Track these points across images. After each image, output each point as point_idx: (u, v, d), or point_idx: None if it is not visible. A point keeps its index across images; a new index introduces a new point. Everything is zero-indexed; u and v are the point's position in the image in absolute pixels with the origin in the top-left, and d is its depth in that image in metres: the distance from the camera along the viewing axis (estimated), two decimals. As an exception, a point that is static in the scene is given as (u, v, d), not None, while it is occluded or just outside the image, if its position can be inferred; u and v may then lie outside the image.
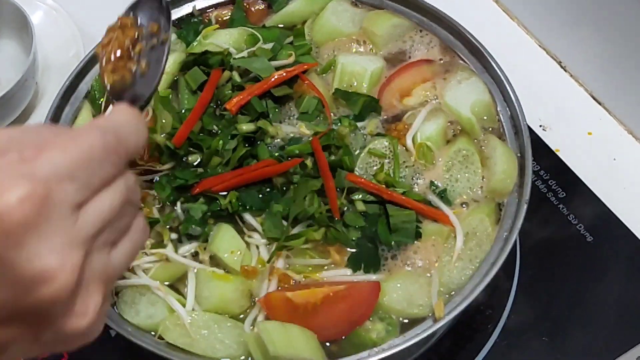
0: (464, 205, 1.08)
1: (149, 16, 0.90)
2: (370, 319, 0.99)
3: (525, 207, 1.03)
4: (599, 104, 1.46)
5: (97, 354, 1.16)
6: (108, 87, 0.87)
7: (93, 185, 0.61)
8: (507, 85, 1.14)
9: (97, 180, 0.62)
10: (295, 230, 1.04)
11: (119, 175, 0.65)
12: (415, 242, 1.04)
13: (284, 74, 1.13)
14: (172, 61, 1.18)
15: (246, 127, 1.09)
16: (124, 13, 0.91)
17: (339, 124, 1.12)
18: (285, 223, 1.04)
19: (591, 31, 1.42)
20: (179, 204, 1.06)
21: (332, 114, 1.14)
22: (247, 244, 1.04)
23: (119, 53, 0.87)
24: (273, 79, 1.13)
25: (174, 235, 1.05)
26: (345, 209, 1.06)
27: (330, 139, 1.09)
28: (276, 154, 1.09)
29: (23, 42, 1.39)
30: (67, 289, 0.58)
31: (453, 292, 1.01)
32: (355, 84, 1.17)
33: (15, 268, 0.56)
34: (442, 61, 1.21)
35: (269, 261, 1.02)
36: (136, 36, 0.88)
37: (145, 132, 0.72)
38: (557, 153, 1.38)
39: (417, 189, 1.09)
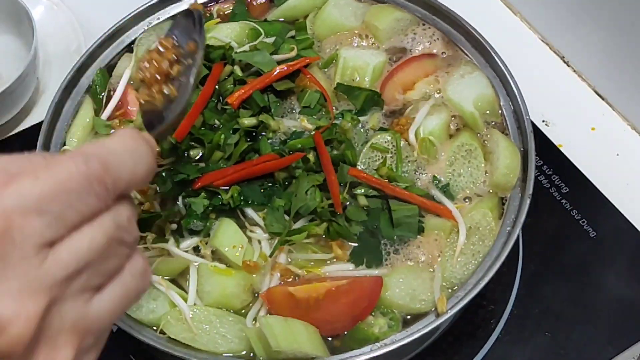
0: (466, 200, 1.08)
1: (186, 35, 0.86)
2: (373, 313, 0.99)
3: (528, 201, 1.03)
4: (602, 99, 1.46)
5: (98, 349, 1.16)
6: (140, 113, 0.82)
7: (69, 220, 0.53)
8: (510, 80, 1.13)
9: (73, 215, 0.54)
10: (297, 225, 1.03)
11: (106, 209, 0.56)
12: (418, 236, 1.04)
13: (286, 68, 1.13)
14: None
15: (248, 121, 1.09)
16: (164, 34, 0.86)
17: (341, 118, 1.12)
18: (287, 218, 1.04)
19: (594, 26, 1.42)
20: (180, 198, 1.06)
21: (334, 108, 1.13)
22: (249, 239, 1.03)
23: (157, 77, 0.82)
24: (275, 73, 1.12)
25: (173, 226, 1.05)
26: (348, 203, 1.05)
27: (333, 133, 1.08)
28: (277, 148, 1.08)
29: (24, 37, 1.39)
30: (21, 342, 0.50)
31: (456, 287, 1.00)
32: (357, 78, 1.17)
33: None
34: (444, 55, 1.20)
35: (270, 255, 1.01)
36: (175, 58, 0.84)
37: (149, 161, 0.63)
38: (560, 148, 1.37)
39: (419, 184, 1.08)
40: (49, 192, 0.52)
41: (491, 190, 1.08)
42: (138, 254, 0.61)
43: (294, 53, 1.16)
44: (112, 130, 1.11)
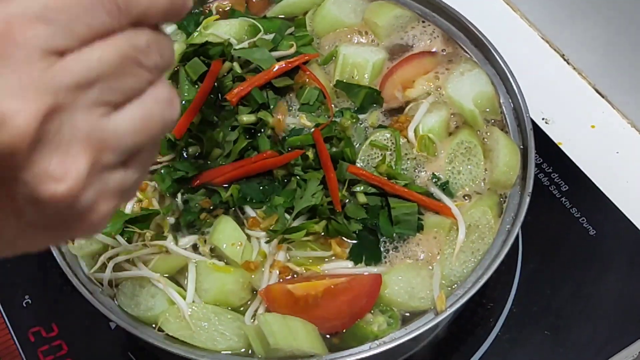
0: (466, 198, 1.07)
1: None
2: (372, 311, 0.98)
3: (527, 199, 1.02)
4: (602, 97, 1.45)
5: (97, 346, 1.17)
6: None
7: (77, 33, 0.51)
8: (510, 78, 1.13)
9: (82, 28, 0.52)
10: (296, 223, 1.03)
11: (119, 29, 0.54)
12: (417, 234, 1.03)
13: (285, 65, 1.13)
14: (173, 52, 1.17)
15: (246, 118, 1.09)
16: None
17: (341, 115, 1.12)
18: (287, 216, 1.04)
19: (594, 23, 1.41)
20: (179, 195, 1.06)
21: (333, 106, 1.13)
22: (248, 236, 1.03)
23: None
24: (274, 70, 1.12)
25: (171, 220, 1.05)
26: (347, 201, 1.05)
27: (332, 130, 1.08)
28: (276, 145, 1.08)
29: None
30: (23, 138, 0.49)
31: (455, 285, 1.00)
32: (356, 75, 1.16)
33: None
34: (444, 52, 1.20)
35: (269, 242, 1.02)
36: None
37: None
38: (560, 146, 1.37)
39: (419, 182, 1.08)
40: (55, 2, 0.51)
41: (491, 188, 1.07)
42: (164, 82, 0.58)
43: (293, 50, 1.16)
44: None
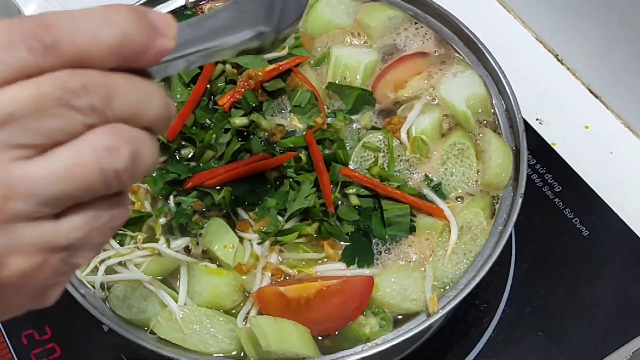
0: (458, 199, 1.07)
1: None
2: (364, 313, 0.98)
3: (520, 200, 1.02)
4: (596, 97, 1.45)
5: (89, 349, 1.17)
6: None
7: None
8: (502, 78, 1.13)
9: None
10: (288, 225, 1.03)
11: (50, 69, 0.48)
12: (410, 236, 1.03)
13: (275, 68, 1.13)
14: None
15: (239, 121, 1.09)
16: None
17: (334, 117, 1.11)
18: (279, 218, 1.04)
19: (589, 24, 1.41)
20: (171, 197, 1.05)
21: (325, 108, 1.13)
22: (240, 239, 1.03)
23: None
24: (265, 73, 1.12)
25: (162, 220, 1.05)
26: (340, 202, 1.05)
27: (325, 132, 1.08)
28: (268, 148, 1.08)
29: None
30: None
31: (447, 287, 1.00)
32: (349, 76, 1.16)
33: None
34: (437, 54, 1.20)
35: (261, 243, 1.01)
36: None
37: (124, 29, 0.50)
38: (554, 147, 1.37)
39: (411, 183, 1.08)
40: None
41: (483, 189, 1.07)
42: (109, 130, 0.50)
43: (284, 52, 1.16)
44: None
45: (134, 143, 0.51)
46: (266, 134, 1.10)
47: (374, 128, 1.12)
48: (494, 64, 1.15)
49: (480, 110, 1.13)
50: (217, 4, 1.27)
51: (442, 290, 1.00)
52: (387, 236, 1.03)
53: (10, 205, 0.47)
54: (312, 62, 1.18)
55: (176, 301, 0.98)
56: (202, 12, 1.25)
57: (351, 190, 1.05)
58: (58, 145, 0.49)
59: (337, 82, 1.16)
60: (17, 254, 0.49)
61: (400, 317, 0.99)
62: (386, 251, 1.03)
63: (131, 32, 0.50)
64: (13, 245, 0.48)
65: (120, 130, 0.50)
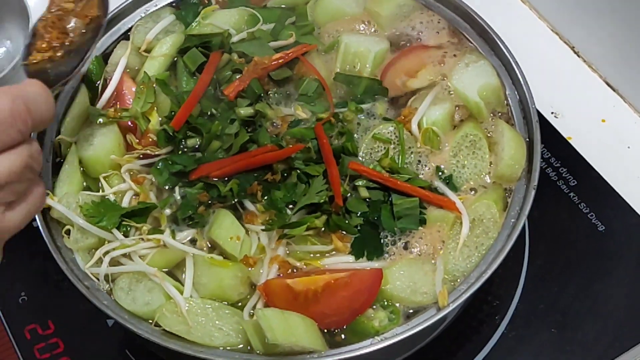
0: (472, 191, 1.05)
1: None
2: (373, 307, 0.97)
3: (533, 193, 1.00)
4: (614, 90, 1.43)
5: (94, 343, 1.16)
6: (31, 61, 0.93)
7: None
8: (515, 69, 1.11)
9: None
10: (295, 218, 1.01)
11: (24, 142, 0.69)
12: (420, 228, 1.02)
13: (282, 57, 1.11)
14: (171, 43, 1.15)
15: (244, 111, 1.07)
16: None
17: (342, 107, 1.10)
18: (288, 211, 1.02)
19: (605, 15, 1.39)
20: (177, 189, 1.04)
21: (333, 99, 1.11)
22: (247, 230, 1.01)
23: (55, 33, 0.95)
24: (272, 63, 1.11)
25: (168, 212, 1.03)
26: (349, 195, 1.03)
27: (333, 126, 1.06)
28: (276, 139, 1.06)
29: (18, 25, 1.37)
30: None
31: (458, 280, 0.98)
32: (358, 64, 1.14)
33: None
34: (449, 43, 1.18)
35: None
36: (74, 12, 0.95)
37: (53, 109, 0.76)
38: (569, 140, 1.35)
39: (422, 175, 1.06)
40: None
41: (496, 182, 1.05)
42: (39, 180, 0.75)
43: (292, 40, 1.14)
44: (100, 120, 1.09)
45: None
46: (274, 123, 1.08)
47: (385, 119, 1.10)
48: (507, 54, 1.12)
49: (493, 101, 1.11)
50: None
51: (452, 283, 0.98)
52: (396, 229, 1.01)
53: None
54: (320, 48, 1.17)
55: (181, 293, 0.97)
56: (209, 0, 1.23)
57: (360, 183, 1.03)
58: (20, 199, 0.73)
59: (346, 69, 1.14)
60: None
61: (411, 311, 0.97)
62: (395, 243, 1.01)
63: (53, 110, 0.78)
64: None
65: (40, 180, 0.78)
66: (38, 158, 0.73)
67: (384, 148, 1.07)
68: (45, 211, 1.02)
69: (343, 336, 0.96)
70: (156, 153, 1.07)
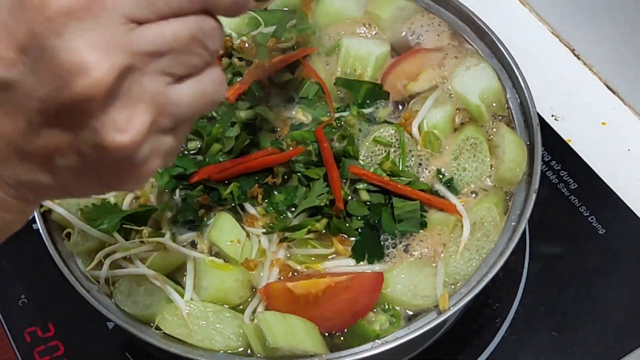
0: (472, 194, 1.05)
1: None
2: (374, 310, 0.96)
3: (534, 196, 1.00)
4: (614, 93, 1.43)
5: (94, 346, 1.16)
6: None
7: (157, 8, 0.58)
8: (516, 72, 1.11)
9: (163, 6, 0.58)
10: (296, 221, 1.01)
11: (192, 13, 0.60)
12: (421, 231, 1.02)
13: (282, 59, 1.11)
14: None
15: (244, 114, 1.07)
16: None
17: (344, 111, 1.10)
18: (288, 214, 1.02)
19: (606, 18, 1.39)
20: (177, 192, 1.04)
21: (333, 102, 1.11)
22: (247, 234, 1.01)
23: None
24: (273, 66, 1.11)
25: (168, 214, 1.03)
26: (349, 198, 1.03)
27: (333, 129, 1.06)
28: (276, 142, 1.06)
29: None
30: (102, 85, 0.55)
31: (459, 284, 0.98)
32: (359, 68, 1.15)
33: (54, 57, 0.55)
34: (450, 45, 1.18)
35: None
36: None
37: None
38: (569, 143, 1.35)
39: (423, 178, 1.06)
40: None
41: (497, 185, 1.05)
42: (217, 65, 0.65)
43: (292, 42, 1.14)
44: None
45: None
46: (274, 127, 1.08)
47: (385, 122, 1.10)
48: (508, 57, 1.12)
49: (494, 104, 1.11)
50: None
51: (453, 287, 0.98)
52: (397, 232, 1.01)
53: (162, 121, 0.60)
54: (320, 51, 1.17)
55: (182, 296, 0.97)
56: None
57: (361, 186, 1.03)
58: (190, 76, 0.61)
59: (347, 72, 1.15)
60: (155, 157, 0.62)
61: (411, 314, 0.97)
62: (396, 247, 1.01)
63: None
64: (155, 150, 0.61)
65: (219, 67, 0.65)
66: (213, 36, 0.62)
67: (385, 151, 1.07)
68: (46, 214, 1.02)
69: (343, 339, 0.96)
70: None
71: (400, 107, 1.13)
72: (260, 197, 1.03)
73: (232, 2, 0.63)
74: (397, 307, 0.97)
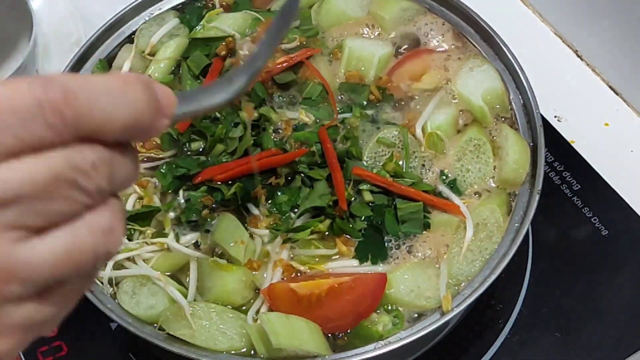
0: (476, 195, 1.05)
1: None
2: (377, 311, 0.96)
3: (537, 197, 1.00)
4: (617, 94, 1.42)
5: (97, 347, 1.16)
6: None
7: (4, 143, 0.45)
8: (519, 73, 1.11)
9: (11, 139, 0.45)
10: (299, 222, 1.01)
11: (60, 145, 0.47)
12: (424, 232, 1.02)
13: (286, 61, 1.11)
14: (175, 46, 1.16)
15: (247, 115, 1.07)
16: None
17: (347, 112, 1.10)
18: (291, 214, 1.02)
19: (608, 18, 1.39)
20: (181, 192, 1.04)
21: (336, 104, 1.11)
22: (251, 234, 1.01)
23: None
24: (276, 67, 1.11)
25: (172, 215, 1.03)
26: (353, 199, 1.03)
27: (337, 130, 1.06)
28: (280, 143, 1.06)
29: (23, 28, 1.36)
30: None
31: (462, 285, 0.98)
32: (362, 68, 1.14)
33: None
34: (453, 47, 1.18)
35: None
36: None
37: (137, 109, 0.50)
38: (573, 144, 1.34)
39: (426, 180, 1.06)
40: None
41: (500, 186, 1.05)
42: (107, 207, 0.50)
43: (296, 43, 1.14)
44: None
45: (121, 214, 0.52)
46: (278, 128, 1.08)
47: (389, 123, 1.10)
48: (511, 58, 1.12)
49: (497, 106, 1.11)
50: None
51: (456, 288, 0.98)
52: (400, 233, 1.01)
53: (9, 289, 0.47)
54: (322, 53, 1.17)
55: (185, 297, 0.97)
56: (213, 3, 1.23)
57: (365, 187, 1.03)
58: (56, 225, 0.48)
59: (350, 72, 1.14)
60: (3, 336, 0.48)
61: (415, 315, 0.97)
62: (400, 248, 1.01)
63: (143, 113, 0.50)
64: (2, 327, 0.48)
65: (117, 209, 0.51)
66: (92, 173, 0.48)
67: (389, 152, 1.07)
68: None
69: (347, 340, 0.96)
70: (160, 156, 1.07)
71: (404, 108, 1.12)
72: (263, 197, 1.03)
73: (130, 123, 0.49)
74: (400, 308, 0.97)
